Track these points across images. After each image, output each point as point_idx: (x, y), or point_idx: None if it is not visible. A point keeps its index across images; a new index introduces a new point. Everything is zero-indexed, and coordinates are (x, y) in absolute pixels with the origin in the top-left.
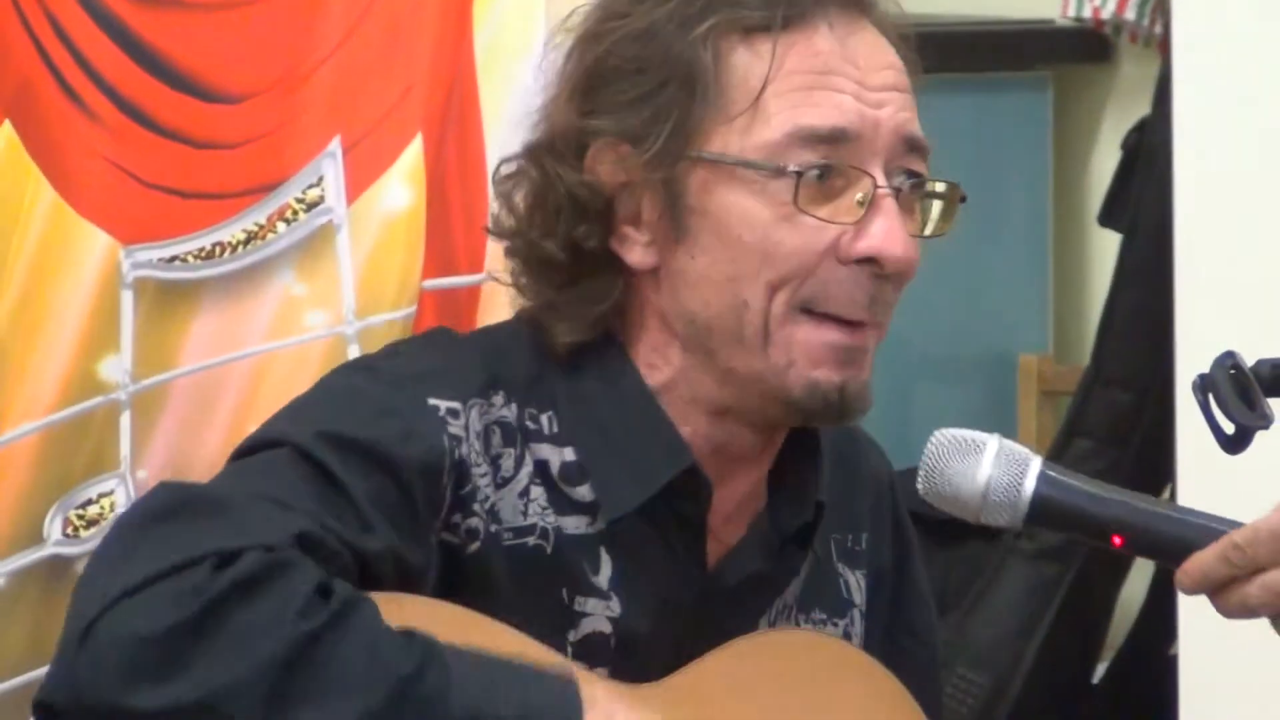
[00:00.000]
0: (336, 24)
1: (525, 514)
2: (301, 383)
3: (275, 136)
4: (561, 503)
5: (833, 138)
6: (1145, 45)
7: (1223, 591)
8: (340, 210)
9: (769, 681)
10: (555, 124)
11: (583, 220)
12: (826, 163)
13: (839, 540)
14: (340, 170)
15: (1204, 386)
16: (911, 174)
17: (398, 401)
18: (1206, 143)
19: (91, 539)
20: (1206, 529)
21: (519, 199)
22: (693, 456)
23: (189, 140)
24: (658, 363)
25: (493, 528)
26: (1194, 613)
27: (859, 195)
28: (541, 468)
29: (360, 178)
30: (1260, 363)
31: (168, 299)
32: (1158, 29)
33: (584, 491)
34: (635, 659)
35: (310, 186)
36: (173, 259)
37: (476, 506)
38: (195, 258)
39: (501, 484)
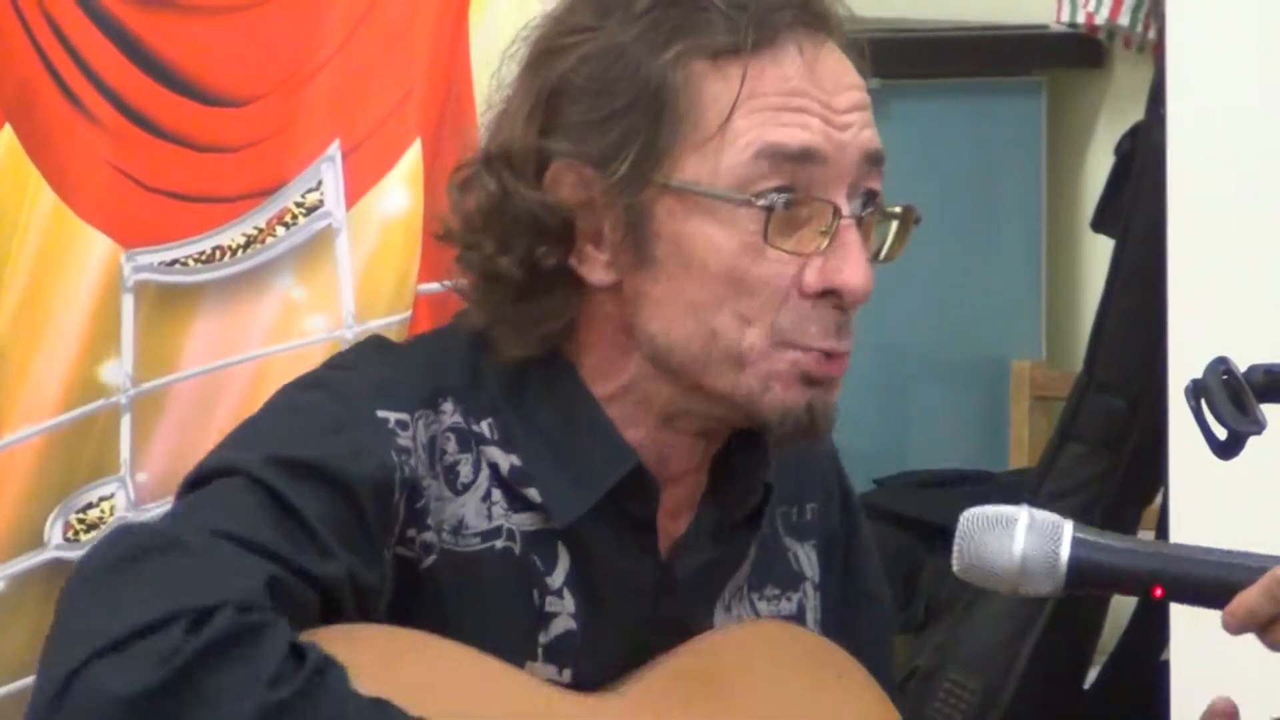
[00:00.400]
0: (336, 28)
1: (490, 517)
2: None
3: (275, 140)
4: (517, 503)
5: (800, 157)
6: (1139, 51)
7: (1270, 628)
8: (339, 214)
9: (732, 679)
10: (513, 139)
11: (542, 240)
12: (793, 191)
13: (785, 514)
14: (340, 174)
15: (1197, 392)
16: (871, 194)
17: (346, 417)
18: (1200, 148)
19: (92, 543)
20: (1244, 568)
21: (473, 207)
22: (638, 457)
23: (189, 144)
24: (609, 373)
25: (450, 540)
26: (1186, 619)
27: (822, 225)
28: (494, 470)
29: (360, 181)
30: (1253, 368)
31: (168, 303)
32: (1151, 34)
33: (533, 494)
34: (595, 658)
35: (310, 190)
36: (173, 262)
37: (430, 520)
38: (195, 261)
39: (462, 490)
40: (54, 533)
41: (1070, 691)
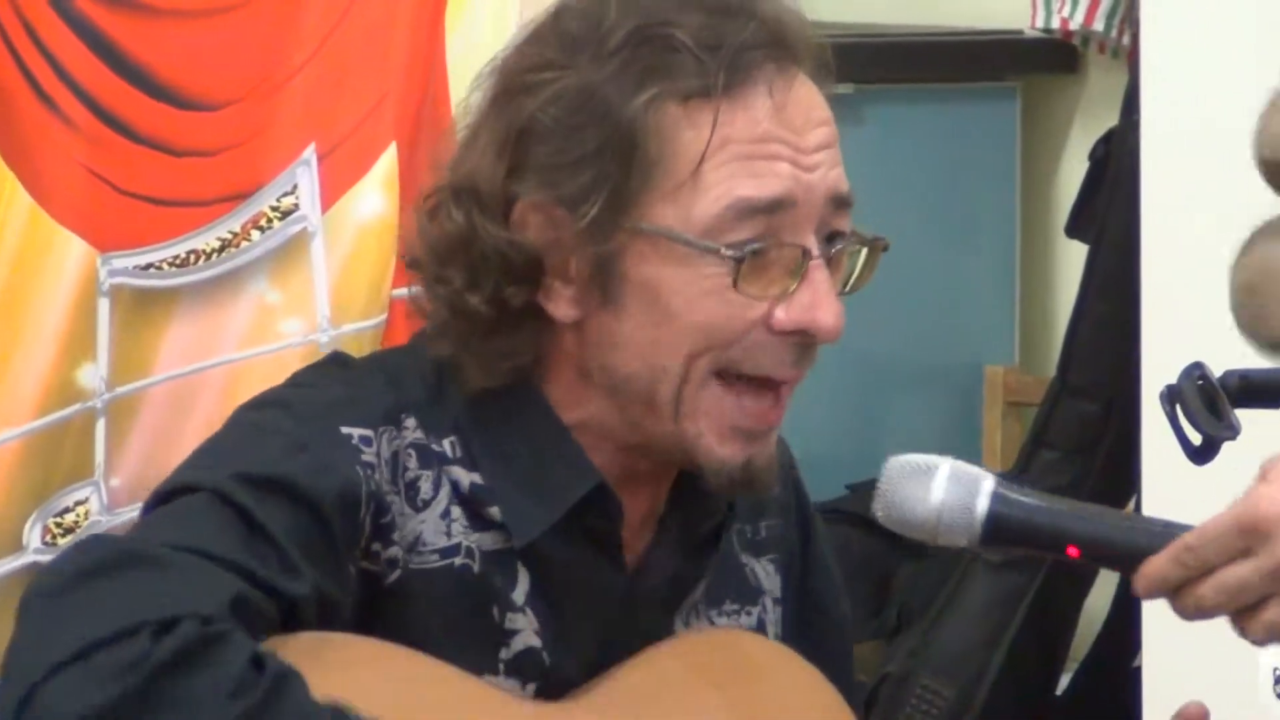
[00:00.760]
0: (312, 32)
1: (449, 534)
2: None
3: (250, 145)
4: (478, 521)
5: (771, 208)
6: (1113, 56)
7: (1179, 594)
8: (315, 218)
9: (686, 685)
10: (480, 175)
11: (510, 280)
12: (762, 244)
13: (740, 530)
14: (315, 178)
15: (1171, 397)
16: (838, 234)
17: (310, 434)
18: (1173, 154)
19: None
20: (1159, 534)
21: (440, 237)
22: (600, 475)
23: (165, 148)
24: (572, 404)
25: (412, 557)
26: (1158, 625)
27: (791, 266)
28: (456, 487)
29: (335, 186)
30: (1227, 374)
31: (143, 306)
32: (1126, 40)
33: (494, 512)
34: (560, 672)
35: (285, 194)
36: (148, 266)
37: (395, 535)
38: (170, 265)
39: (422, 507)
40: (33, 536)
41: (1042, 698)
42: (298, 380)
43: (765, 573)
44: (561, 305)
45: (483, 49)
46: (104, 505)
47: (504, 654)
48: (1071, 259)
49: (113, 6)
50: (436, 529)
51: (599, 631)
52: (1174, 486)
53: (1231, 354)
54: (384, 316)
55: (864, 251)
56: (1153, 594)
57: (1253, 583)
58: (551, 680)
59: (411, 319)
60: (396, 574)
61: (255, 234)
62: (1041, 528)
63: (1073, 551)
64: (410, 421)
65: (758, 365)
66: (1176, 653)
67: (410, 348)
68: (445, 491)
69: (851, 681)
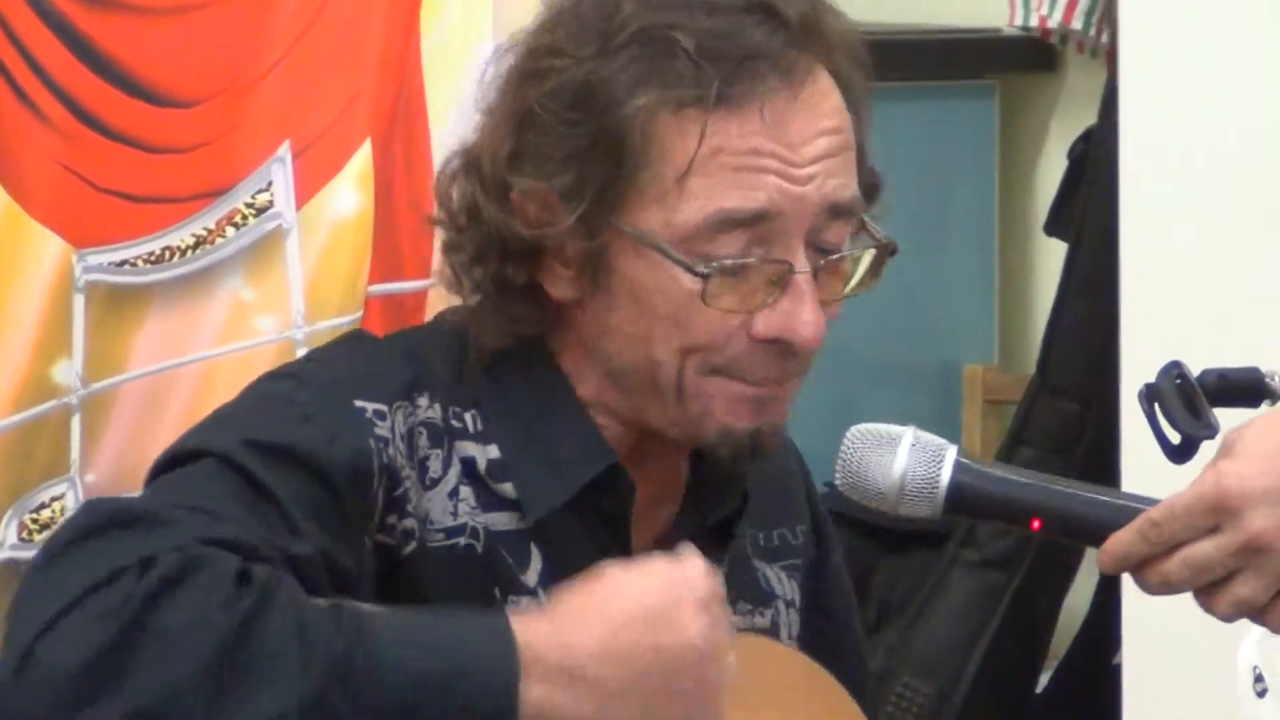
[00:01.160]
0: (286, 29)
1: (455, 514)
2: None
3: (225, 141)
4: (490, 500)
5: (754, 220)
6: (1092, 55)
7: (1143, 569)
8: (289, 215)
9: None
10: (484, 154)
11: (510, 260)
12: (740, 261)
13: (753, 537)
14: (289, 175)
15: (1150, 396)
16: (831, 250)
17: (322, 406)
18: (1152, 152)
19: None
20: (1124, 508)
21: (456, 203)
22: (615, 455)
23: (140, 144)
24: (583, 377)
25: (425, 530)
26: (1138, 623)
27: (774, 277)
28: (468, 465)
29: (309, 183)
30: (1206, 372)
31: (118, 303)
32: (1104, 39)
33: (508, 489)
34: None
35: (260, 191)
36: (123, 263)
37: (410, 508)
38: (145, 262)
39: (430, 485)
40: (9, 533)
41: (1022, 696)
42: (315, 355)
43: (778, 579)
44: (560, 286)
45: (456, 46)
46: (80, 501)
47: None
48: (1051, 257)
49: (89, 4)
50: (444, 509)
51: None
52: (1154, 486)
53: (1210, 353)
54: (359, 313)
55: (870, 254)
56: (1118, 569)
57: (1219, 559)
58: None
59: (387, 316)
60: (413, 545)
61: (230, 231)
62: (1004, 498)
63: (1036, 524)
64: (423, 399)
65: (744, 372)
66: (1156, 651)
67: (434, 324)
68: (455, 471)
69: (867, 689)
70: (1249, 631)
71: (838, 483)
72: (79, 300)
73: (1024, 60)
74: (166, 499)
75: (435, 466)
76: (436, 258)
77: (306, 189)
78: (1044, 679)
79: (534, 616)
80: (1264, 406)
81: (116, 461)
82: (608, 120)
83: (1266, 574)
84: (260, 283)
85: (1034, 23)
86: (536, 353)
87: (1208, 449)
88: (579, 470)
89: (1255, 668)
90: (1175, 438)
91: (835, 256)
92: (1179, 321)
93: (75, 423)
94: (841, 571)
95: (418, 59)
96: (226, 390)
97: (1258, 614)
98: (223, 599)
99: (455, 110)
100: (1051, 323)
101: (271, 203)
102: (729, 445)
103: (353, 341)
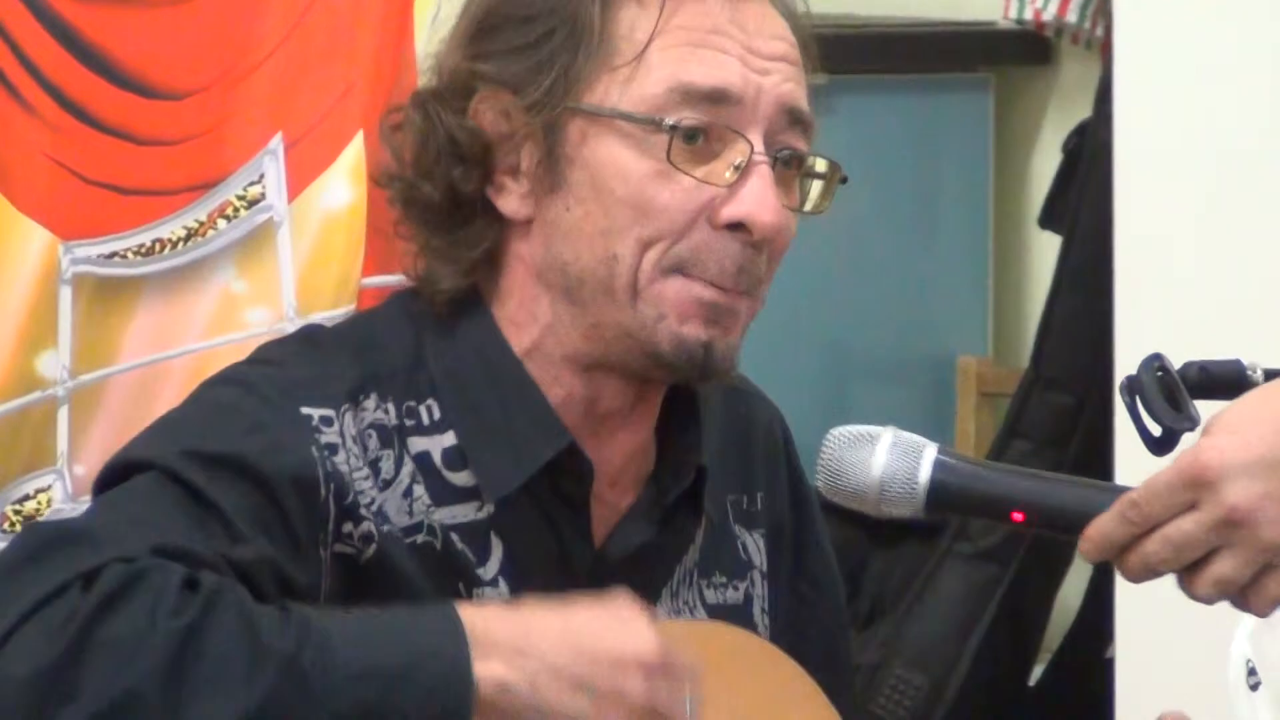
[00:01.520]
0: (278, 21)
1: (410, 513)
2: None
3: (216, 133)
4: (446, 494)
5: (714, 97)
6: (1087, 48)
7: (1125, 554)
8: (281, 207)
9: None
10: (444, 70)
11: (460, 163)
12: (704, 123)
13: (735, 502)
14: (281, 167)
15: (1131, 389)
16: (793, 153)
17: (268, 415)
18: (1147, 146)
19: None
20: (1102, 495)
21: (400, 143)
22: (570, 435)
23: (130, 137)
24: (524, 321)
25: (384, 528)
26: (1131, 616)
27: (736, 160)
28: (423, 460)
29: (301, 175)
30: (1187, 365)
31: (107, 295)
32: (1099, 31)
33: (466, 477)
34: None
35: (251, 184)
36: (112, 255)
37: (364, 511)
38: (135, 254)
39: (384, 486)
40: None
41: (1015, 688)
42: (263, 356)
43: (755, 546)
44: (512, 200)
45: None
46: (68, 493)
47: None
48: (1044, 250)
49: None
50: (399, 508)
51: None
52: (1148, 477)
53: (1204, 345)
54: (353, 306)
55: (820, 183)
56: (1100, 556)
57: (1199, 536)
58: None
59: None
60: (373, 548)
61: (221, 223)
62: (985, 494)
63: (1017, 517)
64: (370, 401)
65: (702, 266)
66: (1149, 644)
67: (387, 307)
68: (407, 470)
69: (848, 663)
70: (1241, 624)
71: (819, 484)
72: (65, 292)
73: (1019, 53)
74: (109, 516)
75: (387, 467)
76: None
77: (299, 181)
78: (1037, 672)
79: (487, 605)
80: None
81: (106, 453)
82: (566, 6)
83: (1246, 549)
84: (252, 275)
85: (1029, 15)
86: (478, 313)
87: (1189, 441)
88: (536, 450)
89: (1248, 661)
90: (1156, 430)
91: (787, 153)
92: (1172, 314)
93: (62, 414)
94: (826, 544)
95: (411, 51)
96: (200, 384)
97: (1239, 595)
98: (170, 606)
99: None
100: (1045, 316)
101: (263, 195)
102: (681, 356)
103: (304, 341)
